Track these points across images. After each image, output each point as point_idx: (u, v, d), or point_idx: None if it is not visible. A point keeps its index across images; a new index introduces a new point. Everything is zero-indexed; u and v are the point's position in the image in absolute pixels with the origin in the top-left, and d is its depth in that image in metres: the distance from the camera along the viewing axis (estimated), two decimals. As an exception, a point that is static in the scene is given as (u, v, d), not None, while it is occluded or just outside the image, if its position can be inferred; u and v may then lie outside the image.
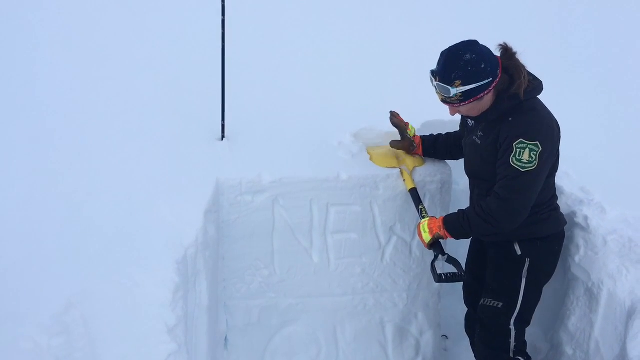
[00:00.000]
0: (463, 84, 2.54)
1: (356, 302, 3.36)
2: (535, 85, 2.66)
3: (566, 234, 3.01)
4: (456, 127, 3.17)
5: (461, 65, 2.52)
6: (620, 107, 4.22)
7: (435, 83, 2.61)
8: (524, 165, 2.55)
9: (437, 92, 2.64)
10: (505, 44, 2.62)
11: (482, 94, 2.57)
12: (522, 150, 2.54)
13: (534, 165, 2.54)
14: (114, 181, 2.93)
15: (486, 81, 2.54)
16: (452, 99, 2.59)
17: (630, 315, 2.78)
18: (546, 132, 2.59)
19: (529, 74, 2.67)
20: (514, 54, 2.61)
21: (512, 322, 2.84)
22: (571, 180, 3.28)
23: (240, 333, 3.28)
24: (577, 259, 3.05)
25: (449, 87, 2.56)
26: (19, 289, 2.27)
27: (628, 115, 4.13)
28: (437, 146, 3.19)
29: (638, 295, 2.79)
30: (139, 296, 2.33)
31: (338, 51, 4.53)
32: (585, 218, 3.04)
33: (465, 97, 2.57)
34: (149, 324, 2.26)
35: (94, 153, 3.14)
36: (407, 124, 3.20)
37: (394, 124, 3.20)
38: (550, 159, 2.62)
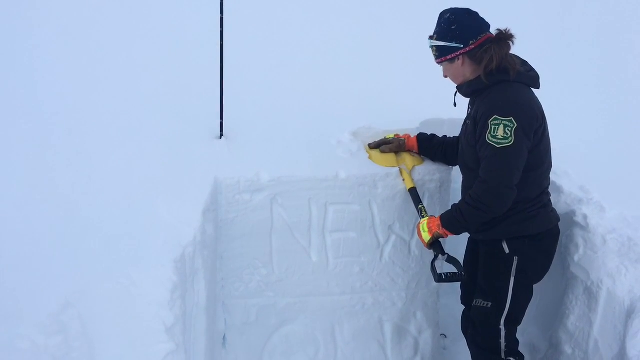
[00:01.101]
0: (436, 39, 2.71)
1: (355, 301, 3.35)
2: (531, 76, 2.68)
3: (565, 233, 3.01)
4: (454, 126, 3.17)
5: (440, 22, 2.72)
6: (619, 106, 4.22)
7: None
8: (499, 141, 2.56)
9: None
10: (504, 29, 2.66)
11: (450, 56, 2.69)
12: (497, 127, 2.56)
13: (509, 142, 2.55)
14: (111, 180, 2.92)
15: (454, 44, 2.66)
16: (433, 52, 2.75)
17: (629, 314, 2.78)
18: (522, 109, 2.59)
19: (531, 68, 2.69)
20: (506, 38, 2.64)
21: (501, 322, 2.82)
22: (570, 179, 3.28)
23: (239, 332, 3.28)
24: (576, 258, 3.04)
25: (429, 39, 2.75)
26: (17, 288, 2.26)
27: (627, 114, 4.12)
28: (433, 143, 3.19)
29: (637, 295, 2.78)
30: (137, 295, 2.32)
31: (337, 50, 4.53)
32: (585, 217, 3.04)
33: (439, 53, 2.73)
34: (146, 323, 2.25)
35: (91, 152, 3.13)
36: (383, 138, 3.31)
37: (374, 147, 3.28)
38: (527, 138, 2.59)
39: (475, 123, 2.67)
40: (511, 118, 2.54)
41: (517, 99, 2.61)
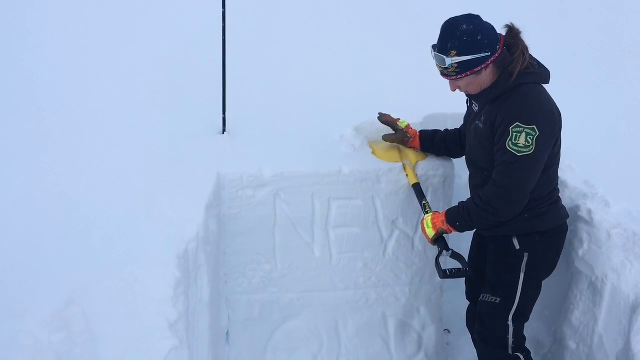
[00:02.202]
0: (458, 54, 2.52)
1: (358, 296, 3.34)
2: (541, 72, 2.63)
3: (570, 228, 2.99)
4: (458, 121, 3.15)
5: (457, 35, 2.52)
6: (624, 100, 4.20)
7: (433, 54, 2.62)
8: (520, 149, 2.51)
9: (437, 65, 2.63)
10: (511, 23, 2.60)
11: (478, 68, 2.55)
12: (519, 134, 2.51)
13: (530, 150, 2.51)
14: (114, 176, 2.91)
15: (483, 55, 2.53)
16: (449, 70, 2.58)
17: (634, 309, 2.76)
18: (544, 116, 2.55)
19: (538, 63, 2.65)
20: (519, 33, 2.58)
21: (510, 318, 2.81)
22: (575, 173, 3.27)
23: (242, 328, 3.27)
24: (580, 253, 3.03)
25: (445, 57, 2.55)
26: (20, 284, 2.25)
27: (632, 108, 4.10)
28: (435, 140, 3.16)
29: (642, 290, 2.77)
30: (140, 292, 2.31)
31: (339, 45, 4.51)
32: (589, 212, 3.02)
33: (462, 69, 2.56)
34: (150, 319, 2.24)
35: (94, 148, 3.13)
36: (397, 119, 3.20)
37: (383, 122, 3.21)
38: (548, 145, 2.57)
39: (492, 127, 2.61)
40: (534, 126, 2.49)
41: (539, 105, 2.56)
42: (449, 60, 2.54)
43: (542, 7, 5.33)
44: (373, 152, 3.25)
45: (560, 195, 2.91)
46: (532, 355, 2.94)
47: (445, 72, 2.62)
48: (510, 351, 2.85)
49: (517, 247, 2.75)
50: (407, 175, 3.13)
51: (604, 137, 3.73)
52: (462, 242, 3.29)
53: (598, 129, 3.81)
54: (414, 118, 3.50)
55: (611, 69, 4.61)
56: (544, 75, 2.64)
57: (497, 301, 2.81)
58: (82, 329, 2.15)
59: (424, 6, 4.73)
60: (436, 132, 3.19)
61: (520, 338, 2.87)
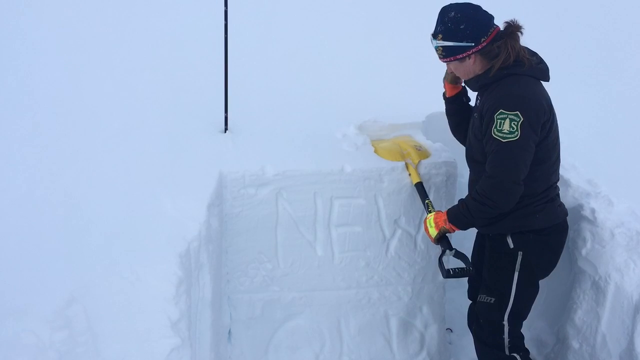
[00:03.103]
0: (443, 39, 2.62)
1: (360, 295, 3.34)
2: (536, 67, 2.63)
3: (573, 227, 2.98)
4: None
5: (445, 20, 2.61)
6: (628, 99, 4.19)
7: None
8: (504, 135, 2.52)
9: None
10: (512, 20, 2.61)
11: (461, 55, 2.61)
12: (503, 121, 2.52)
13: (515, 136, 2.50)
14: (116, 174, 2.91)
15: (464, 44, 2.58)
16: (437, 51, 2.68)
17: (637, 309, 2.76)
18: (528, 103, 2.54)
19: (541, 60, 2.65)
20: (517, 29, 2.59)
21: (505, 317, 2.79)
22: (578, 172, 3.25)
23: (244, 326, 3.27)
24: (583, 252, 3.02)
25: (433, 39, 2.66)
26: (21, 283, 2.25)
27: (636, 107, 4.09)
28: (464, 107, 2.95)
29: (645, 289, 2.76)
30: (142, 290, 2.31)
31: (341, 43, 4.51)
32: (592, 211, 3.01)
33: (446, 53, 2.64)
34: (152, 318, 2.24)
35: (96, 147, 3.12)
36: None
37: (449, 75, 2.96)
38: (534, 132, 2.55)
39: (482, 117, 2.63)
40: (517, 112, 2.50)
41: (524, 92, 2.56)
42: (434, 43, 2.65)
43: (543, 6, 5.32)
44: (375, 151, 3.24)
45: (563, 194, 2.90)
46: (534, 354, 2.93)
47: (437, 54, 2.70)
48: (507, 351, 2.82)
49: (511, 245, 2.73)
50: (409, 174, 3.13)
51: (607, 136, 3.72)
52: (465, 241, 3.29)
53: (601, 127, 3.80)
54: (416, 117, 3.50)
55: (615, 67, 4.60)
56: (538, 71, 2.64)
57: (492, 301, 2.79)
58: (83, 327, 2.15)
59: (425, 4, 4.71)
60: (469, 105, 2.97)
61: (516, 337, 2.85)
